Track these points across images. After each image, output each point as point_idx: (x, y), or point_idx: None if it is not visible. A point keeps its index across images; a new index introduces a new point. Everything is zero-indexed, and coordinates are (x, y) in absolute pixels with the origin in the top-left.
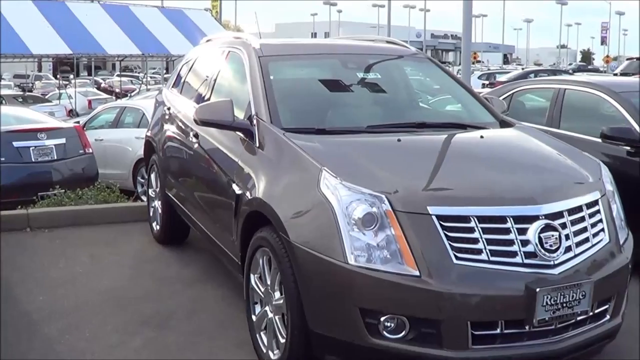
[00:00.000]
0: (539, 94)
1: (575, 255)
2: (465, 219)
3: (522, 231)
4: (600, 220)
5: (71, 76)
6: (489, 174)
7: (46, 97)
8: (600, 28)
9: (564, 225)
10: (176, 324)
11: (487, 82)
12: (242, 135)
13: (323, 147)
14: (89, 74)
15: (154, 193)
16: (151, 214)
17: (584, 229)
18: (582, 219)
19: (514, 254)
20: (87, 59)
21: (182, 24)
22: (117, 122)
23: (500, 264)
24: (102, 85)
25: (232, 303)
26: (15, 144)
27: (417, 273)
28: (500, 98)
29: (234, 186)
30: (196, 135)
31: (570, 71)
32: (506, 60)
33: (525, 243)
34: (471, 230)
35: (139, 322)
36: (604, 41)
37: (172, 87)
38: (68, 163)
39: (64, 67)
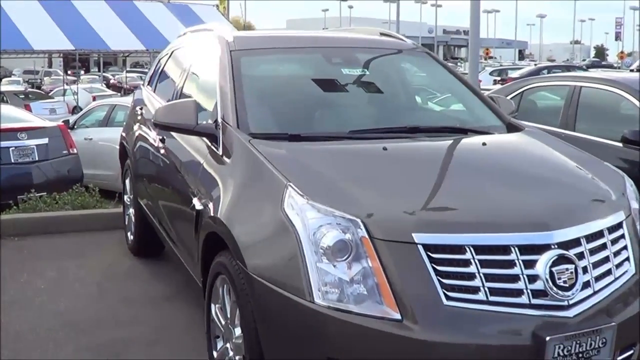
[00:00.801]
0: (552, 92)
1: (595, 293)
2: (459, 249)
3: (529, 264)
4: (625, 247)
5: (81, 72)
6: (489, 191)
7: (51, 93)
8: (615, 23)
9: (581, 256)
10: (133, 354)
11: (498, 78)
12: (207, 141)
13: (292, 157)
14: (99, 70)
15: (129, 200)
16: (126, 222)
17: (606, 259)
18: (604, 246)
19: (519, 293)
20: (97, 55)
21: (188, 19)
22: (107, 120)
23: (501, 305)
24: (112, 81)
25: (200, 330)
26: None
27: (399, 316)
28: (510, 96)
29: (195, 200)
30: (162, 140)
31: (584, 67)
32: (521, 56)
33: (533, 279)
34: (466, 263)
35: (93, 351)
36: (618, 37)
37: (148, 84)
38: (50, 164)
39: (74, 63)
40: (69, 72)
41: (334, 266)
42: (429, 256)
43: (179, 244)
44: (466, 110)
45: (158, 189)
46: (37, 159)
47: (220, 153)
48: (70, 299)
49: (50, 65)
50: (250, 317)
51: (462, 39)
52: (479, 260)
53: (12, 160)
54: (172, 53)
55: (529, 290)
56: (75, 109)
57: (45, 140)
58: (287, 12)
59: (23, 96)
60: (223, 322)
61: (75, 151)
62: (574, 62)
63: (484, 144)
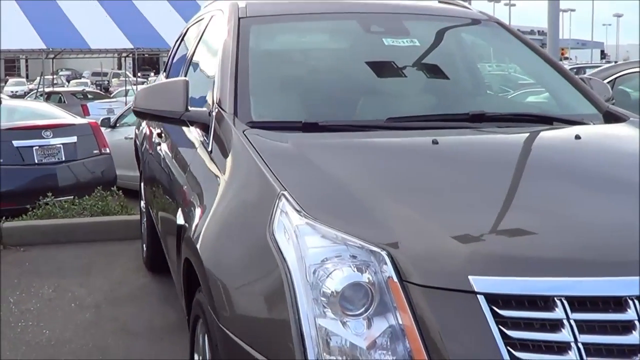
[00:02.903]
0: None
1: None
2: (545, 302)
3: None
4: None
5: (151, 74)
6: (590, 210)
7: (112, 94)
8: None
9: None
10: None
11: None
12: (199, 134)
13: (298, 155)
14: None
15: (144, 207)
16: (142, 231)
17: None
18: None
19: None
20: (165, 55)
21: None
22: None
23: None
24: None
25: None
26: (16, 143)
27: None
28: None
29: (179, 213)
30: (160, 135)
31: None
32: (603, 56)
33: None
34: (556, 325)
35: None
36: None
37: (164, 71)
38: (78, 165)
39: (145, 66)
40: (139, 73)
41: (344, 323)
42: (494, 313)
43: (170, 265)
44: (551, 94)
45: (154, 195)
46: (63, 159)
47: (210, 149)
48: (59, 325)
49: (120, 67)
50: None
51: (537, 40)
52: (575, 320)
53: (36, 161)
54: (186, 32)
55: None
56: None
57: (73, 139)
58: None
59: (82, 96)
60: None
61: (107, 151)
62: None
63: (577, 137)
